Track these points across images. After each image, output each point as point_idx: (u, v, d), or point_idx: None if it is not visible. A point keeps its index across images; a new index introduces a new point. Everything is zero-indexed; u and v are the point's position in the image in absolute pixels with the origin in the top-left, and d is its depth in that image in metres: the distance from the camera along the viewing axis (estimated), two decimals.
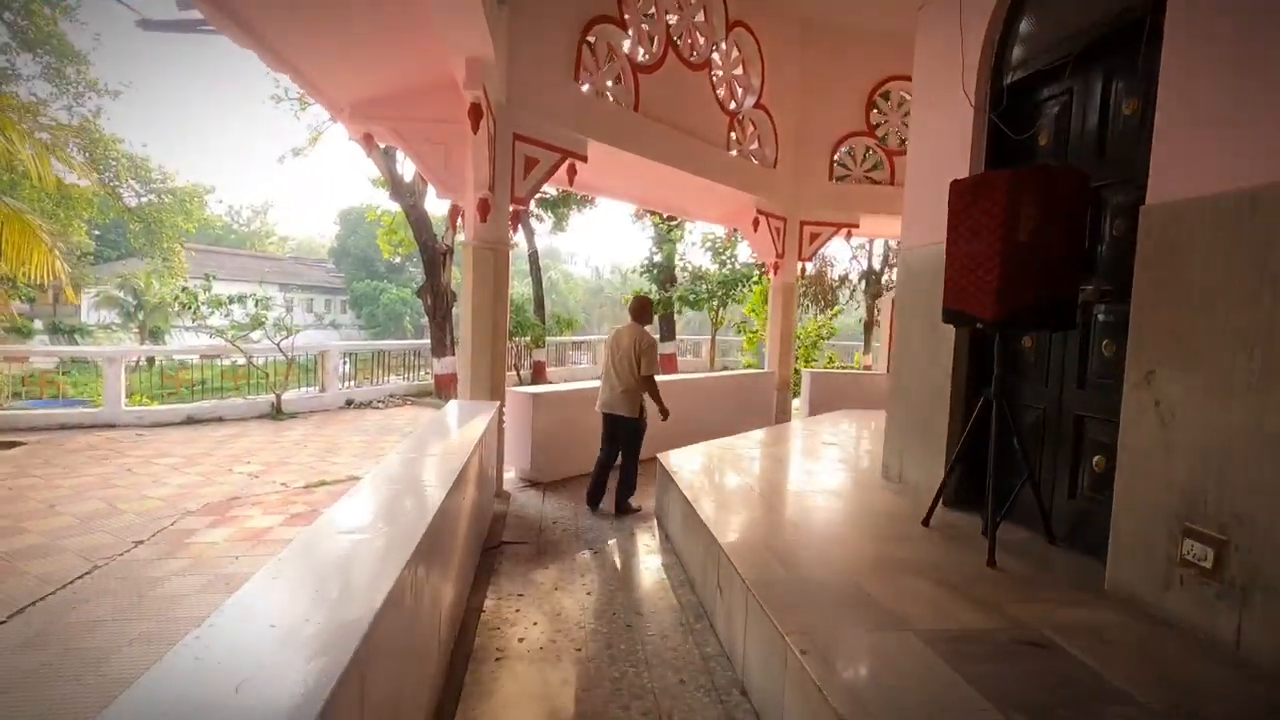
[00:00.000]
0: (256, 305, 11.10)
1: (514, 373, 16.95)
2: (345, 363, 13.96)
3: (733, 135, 8.91)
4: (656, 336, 6.18)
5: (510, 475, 6.57)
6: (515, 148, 5.87)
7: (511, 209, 5.99)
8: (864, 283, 26.14)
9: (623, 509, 5.78)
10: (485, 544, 4.77)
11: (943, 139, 4.60)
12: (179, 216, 27.34)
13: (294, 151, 17.37)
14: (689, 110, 8.04)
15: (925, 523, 3.90)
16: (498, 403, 5.44)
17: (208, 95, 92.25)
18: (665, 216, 21.21)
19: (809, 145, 10.21)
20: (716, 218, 10.81)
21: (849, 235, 10.58)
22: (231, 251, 46.61)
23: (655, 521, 5.48)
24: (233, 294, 11.34)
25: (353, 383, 13.97)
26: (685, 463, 5.44)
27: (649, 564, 4.60)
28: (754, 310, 18.57)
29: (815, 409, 10.52)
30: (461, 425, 4.63)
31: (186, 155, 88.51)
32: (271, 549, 5.47)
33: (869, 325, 25.72)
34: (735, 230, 11.44)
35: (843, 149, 10.37)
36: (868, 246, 24.54)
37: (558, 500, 6.08)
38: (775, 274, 10.33)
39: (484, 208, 5.51)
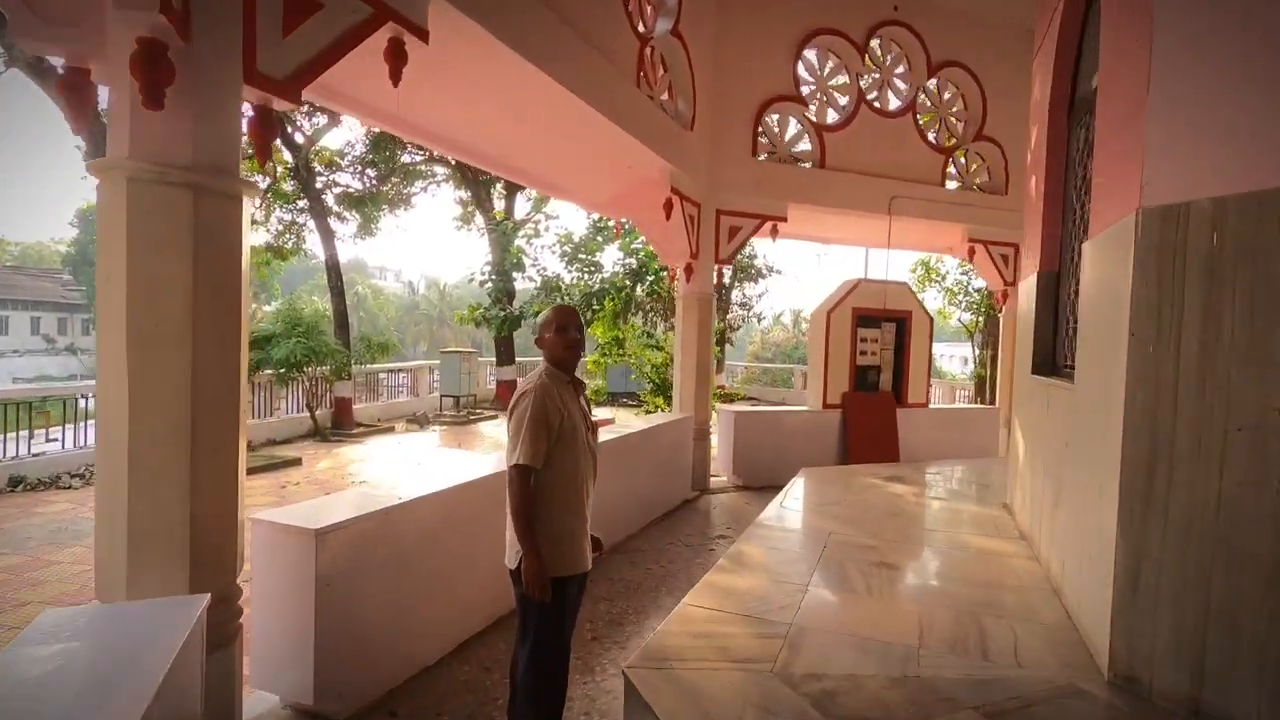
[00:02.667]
0: None
1: (309, 415, 12.56)
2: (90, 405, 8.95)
3: (642, 76, 5.96)
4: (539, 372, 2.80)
5: (272, 703, 2.99)
6: None
7: (267, 106, 2.51)
8: (716, 296, 24.63)
9: None
10: None
11: None
12: None
13: None
14: (585, 2, 4.98)
15: None
16: (190, 622, 1.94)
17: None
18: (508, 208, 17.76)
19: (727, 109, 7.59)
20: (602, 199, 7.81)
21: (775, 232, 8.09)
22: None
23: None
24: None
25: (31, 444, 8.97)
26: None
27: None
28: (604, 329, 15.80)
29: (743, 463, 7.83)
30: None
31: None
32: None
33: (721, 343, 24.15)
34: (624, 222, 8.51)
35: (767, 117, 7.88)
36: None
37: None
38: (688, 280, 7.53)
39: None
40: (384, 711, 3.06)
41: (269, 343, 11.25)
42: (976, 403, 16.20)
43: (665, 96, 6.60)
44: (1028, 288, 4.66)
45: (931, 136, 8.87)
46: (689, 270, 7.42)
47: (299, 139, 14.39)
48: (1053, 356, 4.34)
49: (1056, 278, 4.33)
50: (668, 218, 6.67)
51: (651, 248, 12.38)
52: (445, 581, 3.50)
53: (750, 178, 7.69)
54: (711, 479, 7.93)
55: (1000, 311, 9.93)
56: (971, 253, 9.21)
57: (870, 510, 4.94)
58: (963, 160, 9.15)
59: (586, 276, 12.55)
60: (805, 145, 8.18)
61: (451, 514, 3.56)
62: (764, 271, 25.29)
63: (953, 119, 9.06)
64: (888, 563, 3.73)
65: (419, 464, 10.68)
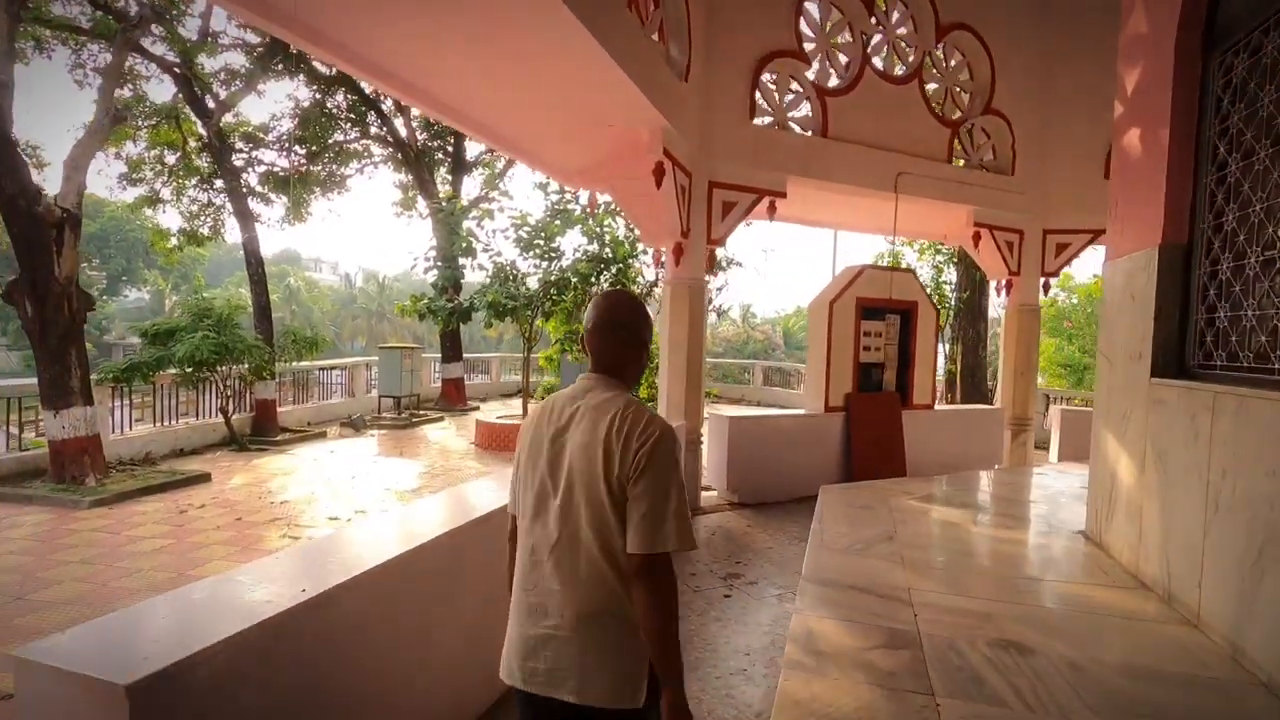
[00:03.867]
0: None
1: (223, 420, 10.89)
2: None
3: (633, 7, 4.77)
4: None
5: None
6: None
7: None
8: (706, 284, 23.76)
9: None
10: None
11: None
12: None
13: None
14: None
15: None
16: None
17: None
18: (455, 191, 16.36)
19: (721, 63, 6.50)
20: (575, 166, 6.59)
21: (772, 210, 7.03)
22: None
23: None
24: None
25: None
26: None
27: None
28: (555, 325, 14.56)
29: (739, 476, 6.76)
30: None
31: None
32: None
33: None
34: (604, 199, 7.32)
35: (764, 75, 6.82)
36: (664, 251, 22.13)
37: None
38: (676, 264, 6.40)
39: None
40: None
41: (171, 338, 9.58)
42: (947, 401, 15.63)
43: (655, 37, 5.44)
44: (1133, 267, 3.71)
45: (936, 108, 7.98)
46: (678, 252, 6.29)
47: (210, 104, 12.58)
48: (1180, 354, 3.41)
49: (1187, 251, 3.39)
50: (658, 186, 5.52)
51: (620, 231, 11.22)
52: (383, 707, 2.27)
53: (747, 145, 6.61)
54: (701, 493, 6.84)
55: (1002, 305, 9.14)
56: (977, 238, 8.38)
57: (935, 549, 3.92)
58: (968, 136, 8.30)
59: (546, 264, 11.25)
60: (802, 111, 7.16)
61: (396, 594, 2.32)
62: (723, 264, 24.48)
63: (958, 90, 8.20)
64: (1014, 642, 2.68)
65: (353, 477, 9.26)
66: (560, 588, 1.53)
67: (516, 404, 16.28)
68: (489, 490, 3.46)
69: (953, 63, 8.12)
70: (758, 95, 6.75)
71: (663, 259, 6.70)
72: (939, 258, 16.49)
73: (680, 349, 6.46)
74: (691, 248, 6.38)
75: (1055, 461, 9.01)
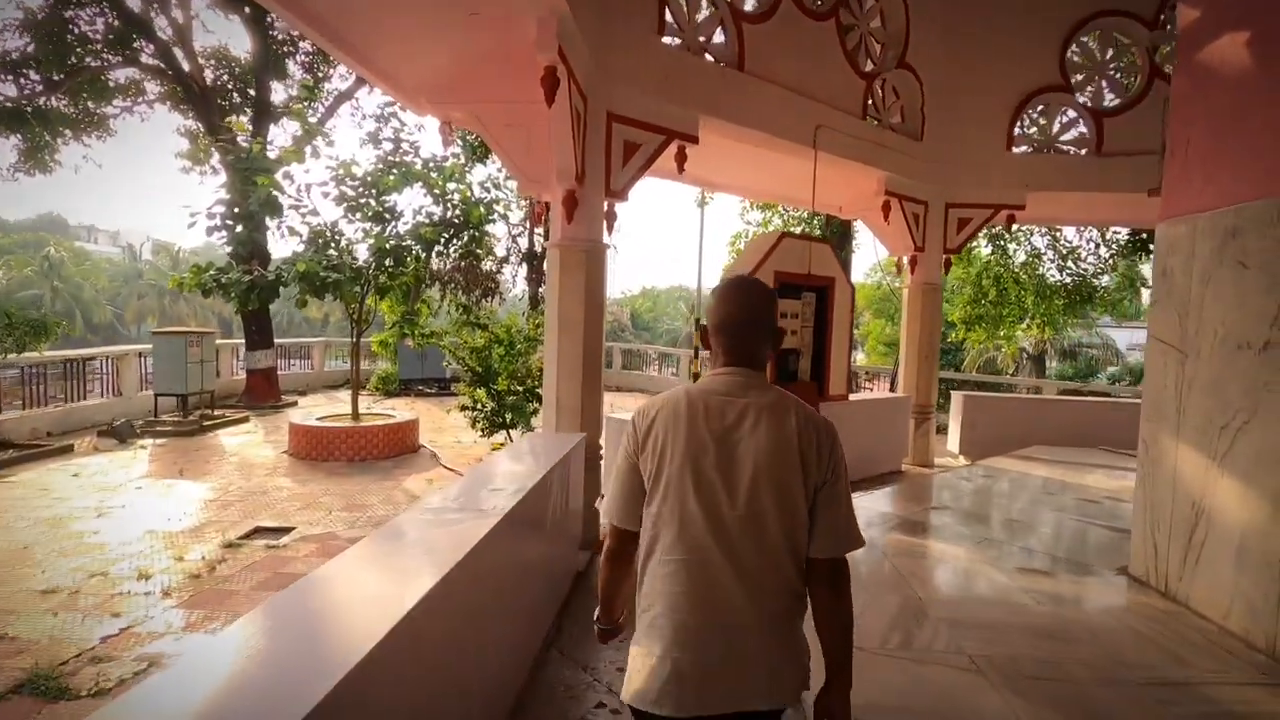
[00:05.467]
0: None
1: None
2: None
3: None
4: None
5: None
6: None
7: None
8: (525, 266, 22.01)
9: None
10: None
11: None
12: None
13: None
14: None
15: None
16: None
17: None
18: (259, 132, 13.42)
19: None
20: (428, 80, 4.70)
21: (682, 159, 5.58)
22: None
23: None
24: None
25: None
26: None
27: None
28: (391, 304, 12.36)
29: None
30: None
31: None
32: None
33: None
34: (452, 130, 5.43)
35: None
36: (526, 224, 20.53)
37: None
38: (568, 220, 4.76)
39: None
40: None
41: None
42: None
43: None
44: (1237, 225, 2.70)
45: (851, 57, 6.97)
46: (570, 203, 4.65)
47: None
48: None
49: None
50: (549, 102, 3.85)
51: (477, 185, 9.27)
52: None
53: (655, 69, 5.10)
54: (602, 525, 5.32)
55: (905, 284, 8.45)
56: (886, 208, 7.54)
57: (997, 630, 2.71)
58: (879, 93, 7.40)
59: (378, 228, 9.02)
60: (715, 39, 5.79)
61: None
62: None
63: (871, 38, 7.24)
64: None
65: (99, 514, 6.65)
66: (745, 602, 1.44)
67: (344, 397, 13.72)
68: None
69: (867, 5, 7.14)
70: (667, 12, 5.25)
71: (544, 218, 5.03)
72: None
73: (574, 334, 4.84)
74: (587, 199, 4.76)
75: (958, 454, 8.55)
